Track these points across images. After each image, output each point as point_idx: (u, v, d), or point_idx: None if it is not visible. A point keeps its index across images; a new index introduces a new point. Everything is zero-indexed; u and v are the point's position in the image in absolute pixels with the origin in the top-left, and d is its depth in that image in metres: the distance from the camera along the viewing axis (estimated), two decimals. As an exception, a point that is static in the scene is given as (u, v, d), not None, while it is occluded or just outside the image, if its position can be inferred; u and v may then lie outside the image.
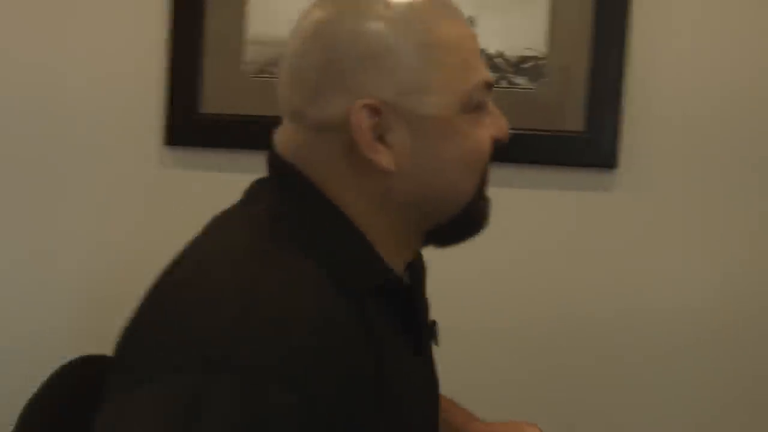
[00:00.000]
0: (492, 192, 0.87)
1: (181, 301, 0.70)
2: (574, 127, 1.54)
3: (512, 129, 0.86)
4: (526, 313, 1.59)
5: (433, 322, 0.96)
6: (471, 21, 1.54)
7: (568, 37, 1.53)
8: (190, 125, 1.61)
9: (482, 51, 0.84)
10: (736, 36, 1.54)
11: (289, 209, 0.79)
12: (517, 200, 1.56)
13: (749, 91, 1.53)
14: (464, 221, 0.84)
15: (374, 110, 0.76)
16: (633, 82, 1.55)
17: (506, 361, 1.60)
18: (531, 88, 1.55)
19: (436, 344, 0.96)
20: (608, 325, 1.58)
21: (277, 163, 0.82)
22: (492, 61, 1.54)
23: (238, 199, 0.85)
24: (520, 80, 1.55)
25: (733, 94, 1.54)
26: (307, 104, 0.79)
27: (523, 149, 1.53)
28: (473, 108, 0.80)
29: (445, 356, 1.00)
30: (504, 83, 1.54)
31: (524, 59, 1.55)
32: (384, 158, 0.77)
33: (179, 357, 0.65)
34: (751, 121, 1.54)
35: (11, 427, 0.92)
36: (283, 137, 0.82)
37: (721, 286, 1.55)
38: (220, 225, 0.81)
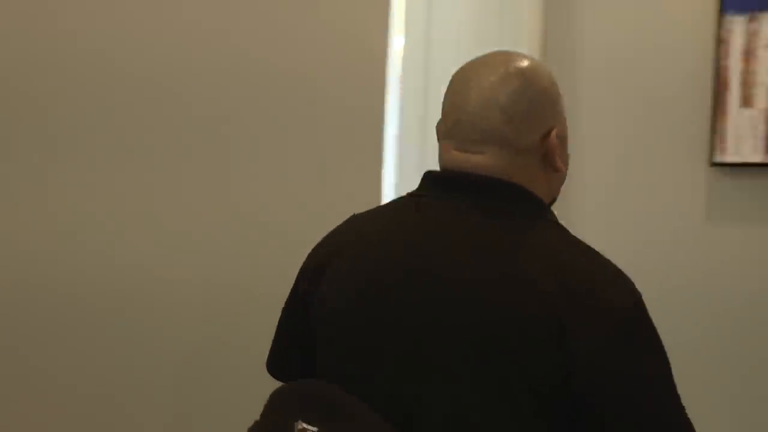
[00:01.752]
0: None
1: (592, 275, 1.10)
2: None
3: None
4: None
5: None
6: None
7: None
8: None
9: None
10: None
11: (531, 205, 1.19)
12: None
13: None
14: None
15: (559, 136, 1.21)
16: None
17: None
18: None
19: None
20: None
21: (490, 182, 1.15)
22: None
23: (432, 191, 1.21)
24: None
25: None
26: (516, 134, 1.16)
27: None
28: None
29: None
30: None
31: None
32: (562, 167, 1.24)
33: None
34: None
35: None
36: (486, 159, 1.16)
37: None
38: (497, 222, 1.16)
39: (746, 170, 2.72)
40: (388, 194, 2.48)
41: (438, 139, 1.24)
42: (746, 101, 2.73)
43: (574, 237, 1.15)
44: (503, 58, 1.19)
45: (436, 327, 1.07)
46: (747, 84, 2.72)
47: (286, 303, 1.36)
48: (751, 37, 2.72)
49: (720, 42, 2.78)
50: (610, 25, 3.14)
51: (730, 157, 2.74)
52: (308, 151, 2.26)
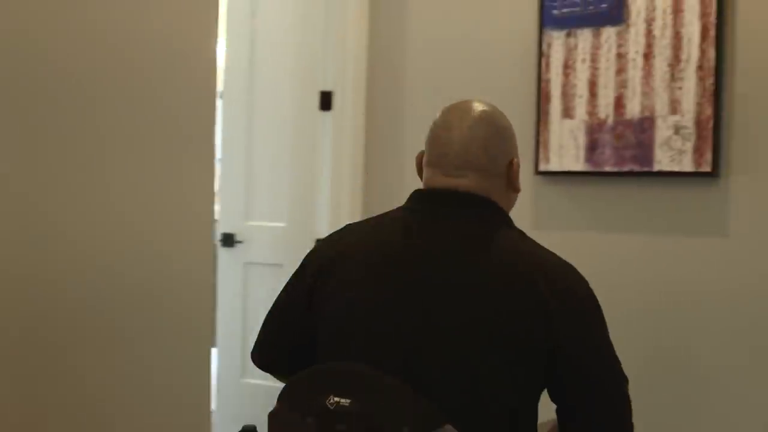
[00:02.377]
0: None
1: (540, 269, 1.39)
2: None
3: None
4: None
5: None
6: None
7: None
8: None
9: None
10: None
11: (500, 216, 1.49)
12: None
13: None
14: None
15: (517, 164, 1.54)
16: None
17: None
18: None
19: None
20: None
21: (472, 197, 1.48)
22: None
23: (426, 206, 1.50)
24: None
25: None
26: (490, 162, 1.49)
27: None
28: None
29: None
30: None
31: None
32: (519, 188, 1.56)
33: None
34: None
35: None
36: (467, 182, 1.48)
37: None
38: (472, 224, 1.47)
39: (568, 178, 2.84)
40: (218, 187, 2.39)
41: (421, 166, 1.58)
42: (567, 113, 2.85)
43: (532, 239, 1.50)
44: (472, 106, 1.53)
45: (448, 312, 1.35)
46: (567, 96, 2.85)
47: (282, 302, 1.57)
48: (570, 52, 2.85)
49: (541, 56, 2.90)
50: (435, 37, 3.21)
51: (553, 166, 2.86)
52: (140, 152, 2.13)
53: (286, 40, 3.51)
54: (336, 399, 1.28)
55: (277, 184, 3.54)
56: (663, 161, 2.66)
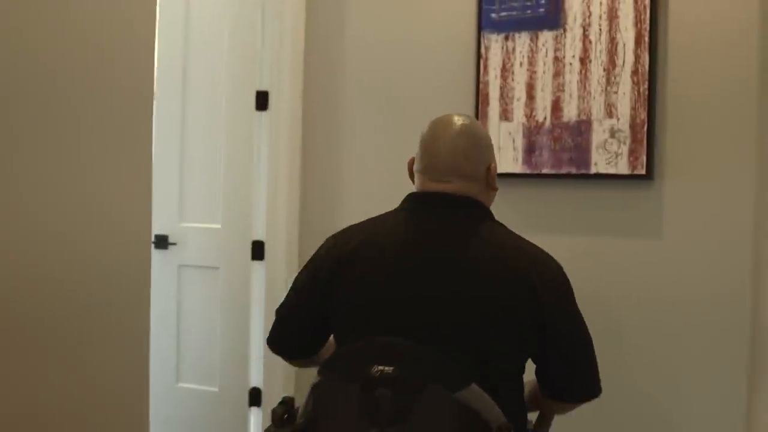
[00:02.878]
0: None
1: (523, 258, 1.68)
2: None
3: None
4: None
5: None
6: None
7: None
8: None
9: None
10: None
11: (484, 212, 1.78)
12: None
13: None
14: None
15: (494, 168, 1.81)
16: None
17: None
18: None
19: None
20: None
21: (462, 200, 1.75)
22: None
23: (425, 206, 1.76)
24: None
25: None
26: (471, 168, 1.76)
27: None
28: None
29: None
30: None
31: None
32: (497, 187, 1.83)
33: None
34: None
35: None
36: (454, 186, 1.75)
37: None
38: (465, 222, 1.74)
39: (506, 180, 2.87)
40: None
41: (412, 171, 1.84)
42: (505, 115, 2.88)
43: (512, 231, 1.77)
44: (453, 120, 1.79)
45: (457, 294, 1.62)
46: (505, 99, 2.88)
47: (298, 291, 1.80)
48: (508, 55, 2.88)
49: (480, 59, 2.92)
50: (373, 38, 3.20)
51: (492, 168, 2.88)
52: (73, 150, 2.06)
53: (221, 40, 3.46)
54: (381, 367, 1.52)
55: (212, 185, 3.48)
56: (599, 164, 2.71)
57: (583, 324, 1.75)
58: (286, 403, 1.71)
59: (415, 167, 1.83)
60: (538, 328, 1.65)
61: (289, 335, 1.83)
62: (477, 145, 1.78)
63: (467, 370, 1.55)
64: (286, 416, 1.70)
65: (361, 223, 1.81)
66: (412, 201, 1.78)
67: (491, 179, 1.80)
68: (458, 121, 1.79)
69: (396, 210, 1.79)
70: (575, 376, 1.74)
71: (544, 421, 1.88)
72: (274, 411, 1.69)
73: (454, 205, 1.74)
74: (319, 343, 1.82)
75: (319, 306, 1.74)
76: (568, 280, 1.74)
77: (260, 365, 3.42)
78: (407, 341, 1.56)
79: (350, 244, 1.73)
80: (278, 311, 1.84)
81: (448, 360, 1.55)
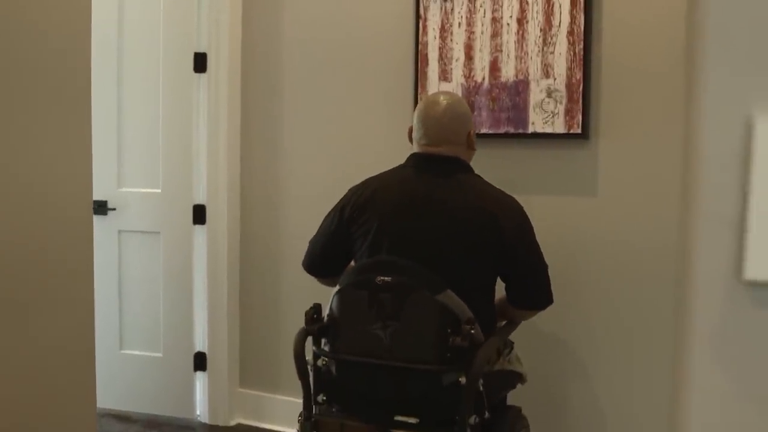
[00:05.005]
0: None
1: (499, 206, 2.22)
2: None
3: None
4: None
5: None
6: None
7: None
8: None
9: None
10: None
11: (466, 167, 2.33)
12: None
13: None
14: None
15: (473, 134, 2.37)
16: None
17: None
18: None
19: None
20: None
21: (450, 159, 2.29)
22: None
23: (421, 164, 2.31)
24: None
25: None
26: (455, 136, 2.31)
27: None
28: None
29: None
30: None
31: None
32: (475, 148, 2.40)
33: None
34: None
35: None
36: (443, 149, 2.29)
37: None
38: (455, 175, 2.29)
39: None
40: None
41: (412, 140, 2.37)
42: (444, 76, 2.91)
43: (486, 181, 2.30)
44: (440, 99, 2.34)
45: (443, 227, 2.16)
46: (444, 60, 2.91)
47: (327, 226, 2.34)
48: (446, 16, 2.90)
49: (419, 19, 2.94)
50: (313, 4, 3.19)
51: (432, 129, 2.91)
52: (10, 115, 2.02)
53: (157, 0, 3.40)
54: (383, 277, 2.05)
55: (152, 149, 3.44)
56: (537, 123, 2.77)
57: (538, 249, 2.26)
58: (315, 307, 2.17)
59: (413, 134, 2.36)
60: (502, 252, 2.17)
61: (321, 261, 2.38)
62: (458, 119, 2.31)
63: (445, 280, 2.05)
64: (314, 316, 2.16)
65: (375, 176, 2.35)
66: (414, 159, 2.32)
67: (470, 142, 2.35)
68: (443, 101, 2.33)
69: (402, 166, 2.33)
70: (533, 289, 2.29)
71: (511, 325, 2.38)
72: (306, 312, 2.16)
73: (444, 162, 2.28)
74: (342, 266, 2.32)
75: (343, 237, 2.28)
76: (527, 217, 2.26)
77: (204, 330, 3.43)
78: (403, 259, 2.09)
79: (367, 191, 2.28)
80: (311, 242, 2.40)
81: (431, 272, 2.06)
